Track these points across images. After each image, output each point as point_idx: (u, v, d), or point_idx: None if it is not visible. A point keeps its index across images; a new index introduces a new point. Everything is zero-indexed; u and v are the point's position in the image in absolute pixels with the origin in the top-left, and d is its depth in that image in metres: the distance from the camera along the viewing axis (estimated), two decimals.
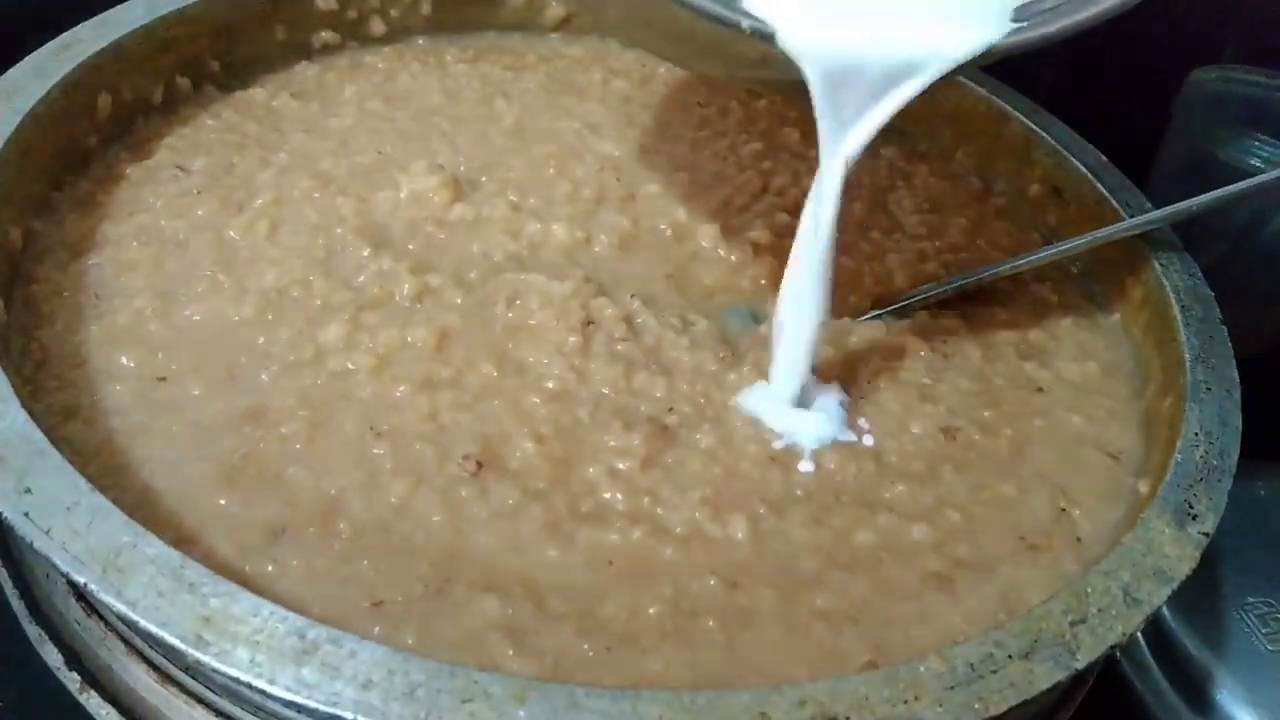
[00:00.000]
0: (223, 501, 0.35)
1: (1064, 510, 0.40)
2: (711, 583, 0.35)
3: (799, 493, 0.39)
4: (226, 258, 0.44)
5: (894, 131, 0.62)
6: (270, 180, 0.49)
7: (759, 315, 0.47)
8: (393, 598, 0.33)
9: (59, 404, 0.38)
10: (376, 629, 0.32)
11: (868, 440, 0.41)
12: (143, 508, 0.34)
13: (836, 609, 0.35)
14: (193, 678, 0.34)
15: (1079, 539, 0.39)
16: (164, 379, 0.39)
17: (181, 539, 0.34)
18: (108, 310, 0.42)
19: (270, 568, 0.34)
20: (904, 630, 0.35)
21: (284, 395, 0.39)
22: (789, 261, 0.40)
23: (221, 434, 0.38)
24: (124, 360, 0.40)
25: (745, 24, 0.35)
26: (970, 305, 0.49)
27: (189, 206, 0.47)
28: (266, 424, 0.38)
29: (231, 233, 0.46)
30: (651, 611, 0.34)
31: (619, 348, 0.43)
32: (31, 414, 0.33)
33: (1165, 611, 0.45)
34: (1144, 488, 0.40)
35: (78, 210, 0.46)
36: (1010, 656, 0.31)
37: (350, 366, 0.41)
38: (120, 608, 0.29)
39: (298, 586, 0.33)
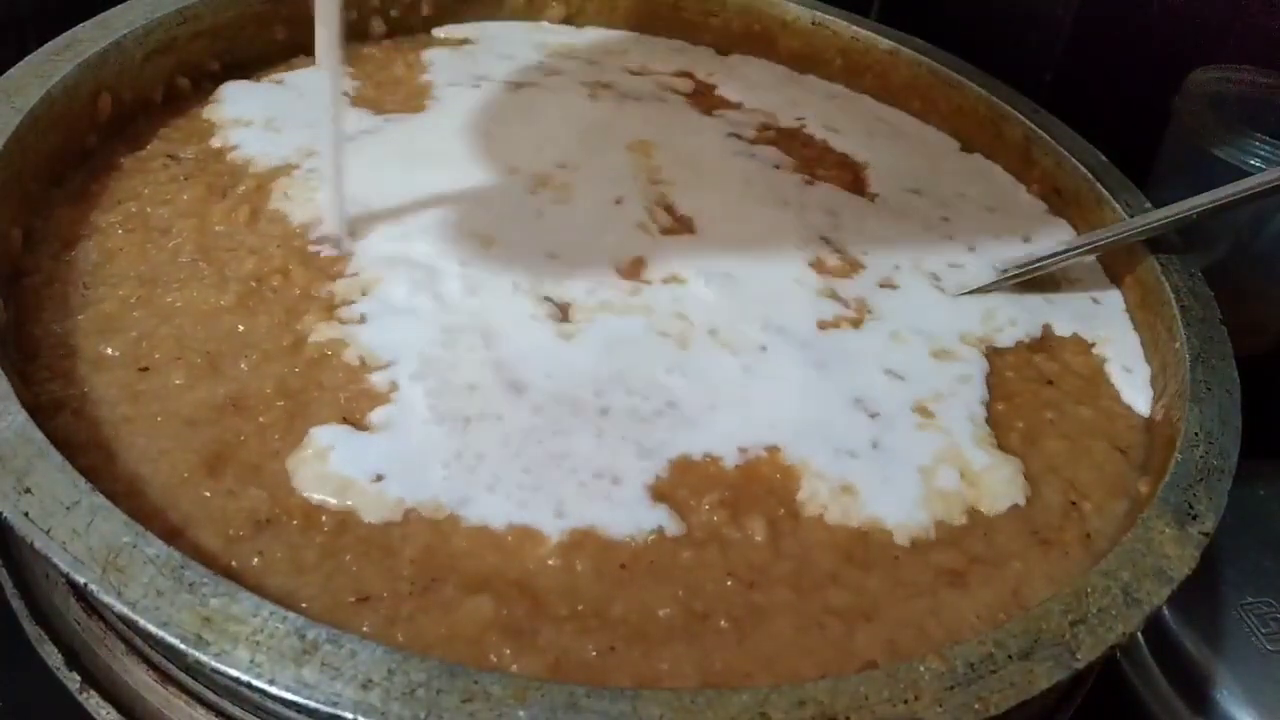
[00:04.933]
0: (207, 493, 0.35)
1: (1074, 504, 0.40)
2: (728, 583, 0.35)
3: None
4: (208, 245, 0.45)
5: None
6: (253, 167, 0.49)
7: None
8: (378, 593, 0.33)
9: (49, 396, 0.38)
10: (365, 626, 0.32)
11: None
12: (131, 499, 0.34)
13: (851, 606, 0.35)
14: (193, 678, 0.34)
15: (1089, 534, 0.39)
16: (147, 368, 0.39)
17: (169, 531, 0.34)
18: (94, 299, 0.42)
19: (256, 560, 0.34)
20: (917, 626, 0.35)
21: (263, 384, 0.39)
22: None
23: (203, 424, 0.38)
24: (109, 350, 0.40)
25: None
26: None
27: (176, 193, 0.47)
28: (246, 413, 0.38)
29: (213, 219, 0.46)
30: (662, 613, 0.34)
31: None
32: (25, 408, 0.33)
33: (1165, 611, 0.45)
34: (1144, 487, 0.41)
35: (70, 201, 0.46)
36: (1010, 656, 0.31)
37: (327, 354, 0.41)
38: (120, 608, 0.29)
39: (285, 580, 0.33)
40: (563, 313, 0.44)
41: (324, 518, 0.35)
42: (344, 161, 0.45)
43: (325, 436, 0.38)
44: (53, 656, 0.38)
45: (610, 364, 0.42)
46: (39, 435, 0.33)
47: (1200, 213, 0.47)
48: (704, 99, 0.62)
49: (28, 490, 0.31)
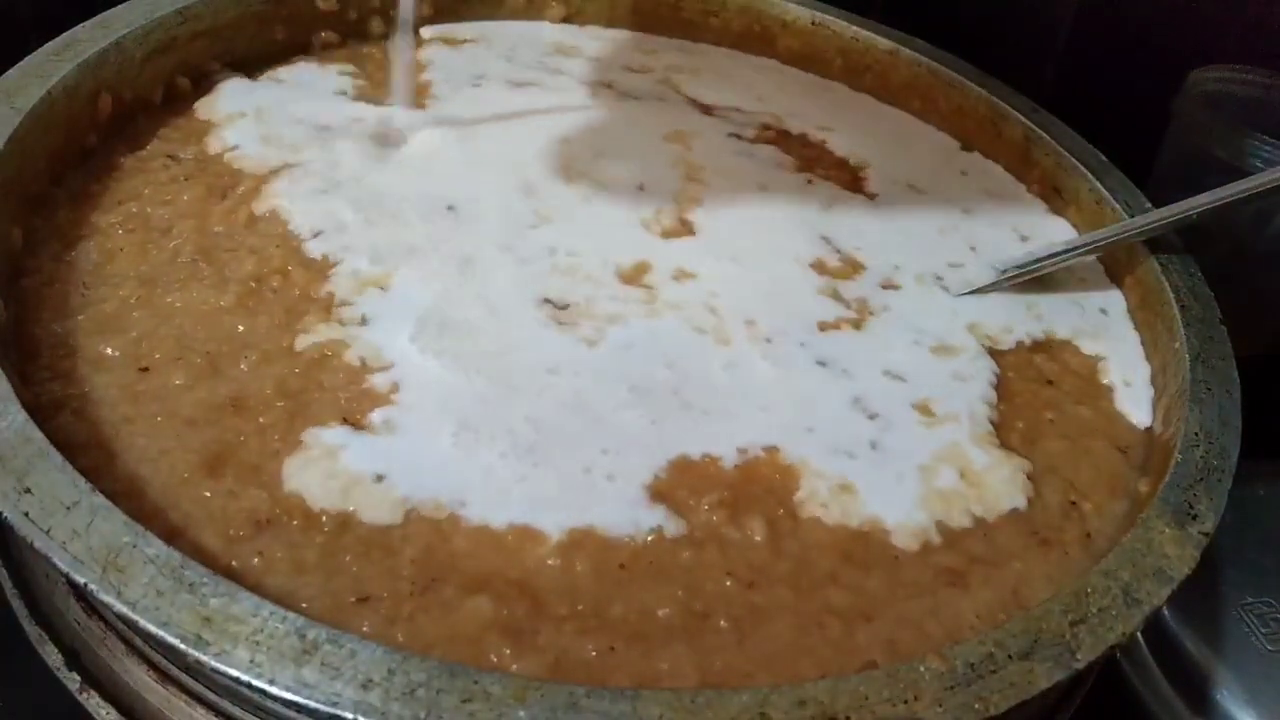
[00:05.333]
0: (207, 493, 0.35)
1: (1074, 504, 0.40)
2: (728, 583, 0.35)
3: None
4: (208, 245, 0.45)
5: None
6: (253, 167, 0.49)
7: None
8: (378, 593, 0.33)
9: (49, 396, 0.38)
10: (365, 626, 0.32)
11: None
12: (131, 499, 0.34)
13: (851, 606, 0.35)
14: (193, 678, 0.34)
15: (1089, 534, 0.39)
16: (147, 369, 0.39)
17: (169, 531, 0.34)
18: (95, 299, 0.42)
19: (256, 560, 0.34)
20: (917, 627, 0.35)
21: (263, 384, 0.39)
22: None
23: (203, 424, 0.38)
24: (109, 350, 0.40)
25: None
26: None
27: (176, 193, 0.47)
28: (246, 414, 0.38)
29: (213, 220, 0.46)
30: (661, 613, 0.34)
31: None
32: (25, 408, 0.33)
33: (1165, 611, 0.45)
34: (1144, 487, 0.41)
35: (70, 201, 0.46)
36: (1010, 656, 0.31)
37: (328, 355, 0.41)
38: (120, 608, 0.29)
39: (285, 580, 0.33)
40: (563, 314, 0.44)
41: (324, 518, 0.35)
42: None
43: (326, 437, 0.38)
44: (53, 656, 0.38)
45: (608, 365, 0.42)
46: (39, 435, 0.33)
47: (1200, 213, 0.48)
48: (705, 98, 0.62)
49: (28, 490, 0.31)
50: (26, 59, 0.47)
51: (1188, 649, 0.46)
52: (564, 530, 0.36)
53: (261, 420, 0.38)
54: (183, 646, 0.28)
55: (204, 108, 0.53)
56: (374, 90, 0.57)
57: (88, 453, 0.36)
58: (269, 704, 0.32)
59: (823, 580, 0.36)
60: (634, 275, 0.47)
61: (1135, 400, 0.46)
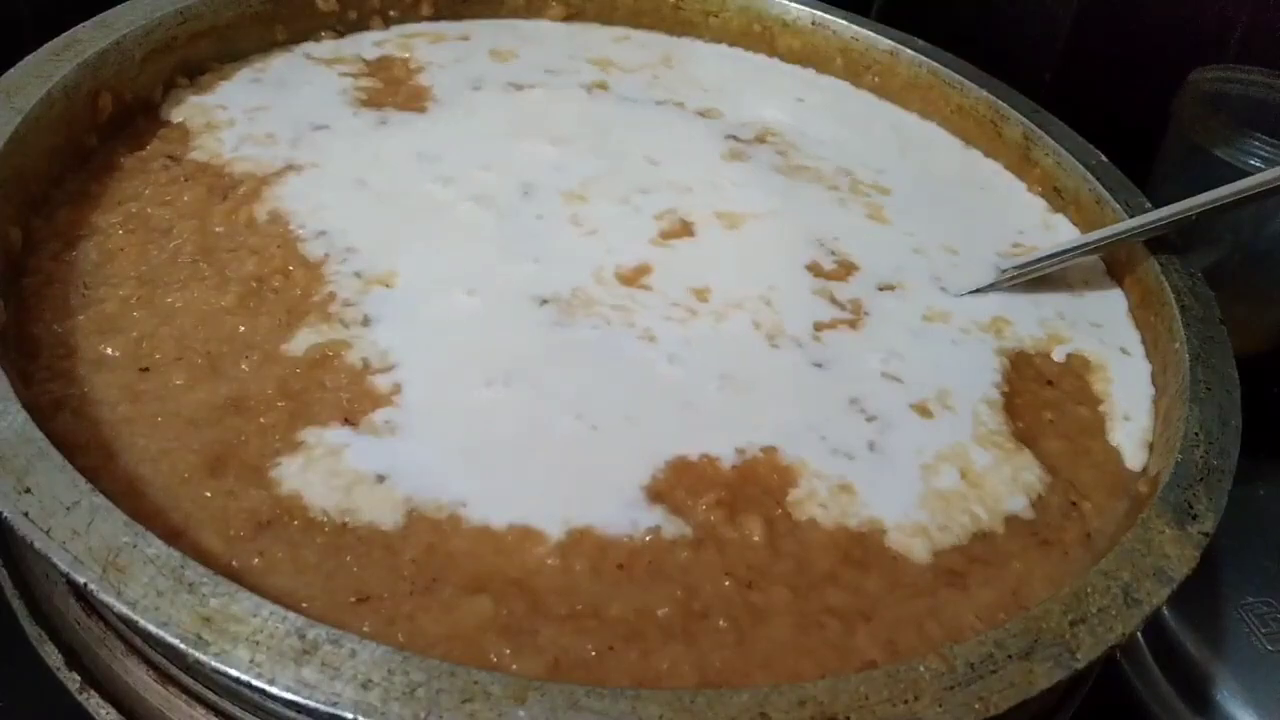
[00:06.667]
0: (208, 493, 0.35)
1: (1074, 504, 0.41)
2: (726, 583, 0.35)
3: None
4: (209, 245, 0.45)
5: None
6: (253, 167, 0.49)
7: None
8: (378, 593, 0.33)
9: (49, 396, 0.38)
10: (365, 626, 0.32)
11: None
12: (131, 499, 0.34)
13: (850, 606, 0.35)
14: (193, 678, 0.34)
15: (1089, 534, 0.39)
16: (147, 369, 0.39)
17: (170, 531, 0.34)
18: (95, 299, 0.42)
19: (256, 560, 0.34)
20: (917, 627, 0.35)
21: (264, 384, 0.39)
22: None
23: (204, 424, 0.38)
24: (109, 350, 0.40)
25: None
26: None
27: (176, 194, 0.47)
28: (247, 414, 0.38)
29: (214, 220, 0.46)
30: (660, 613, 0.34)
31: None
32: (25, 408, 0.33)
33: (1165, 611, 0.45)
34: (1144, 487, 0.41)
35: (71, 201, 0.46)
36: (1010, 656, 0.31)
37: (329, 355, 0.41)
38: (120, 608, 0.29)
39: (285, 580, 0.33)
40: (564, 314, 0.44)
41: (324, 518, 0.35)
42: None
43: (327, 437, 0.38)
44: (53, 656, 0.38)
45: (607, 366, 0.42)
46: (39, 435, 0.33)
47: (1200, 213, 0.48)
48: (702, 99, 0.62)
49: (28, 490, 0.31)
50: (26, 59, 0.47)
51: (1188, 649, 0.46)
52: (563, 530, 0.36)
53: (262, 420, 0.38)
54: (183, 646, 0.28)
55: (204, 108, 0.53)
56: (375, 93, 0.57)
57: (88, 453, 0.36)
58: (269, 704, 0.32)
59: (822, 580, 0.36)
60: (633, 277, 0.47)
61: (1135, 400, 0.46)
